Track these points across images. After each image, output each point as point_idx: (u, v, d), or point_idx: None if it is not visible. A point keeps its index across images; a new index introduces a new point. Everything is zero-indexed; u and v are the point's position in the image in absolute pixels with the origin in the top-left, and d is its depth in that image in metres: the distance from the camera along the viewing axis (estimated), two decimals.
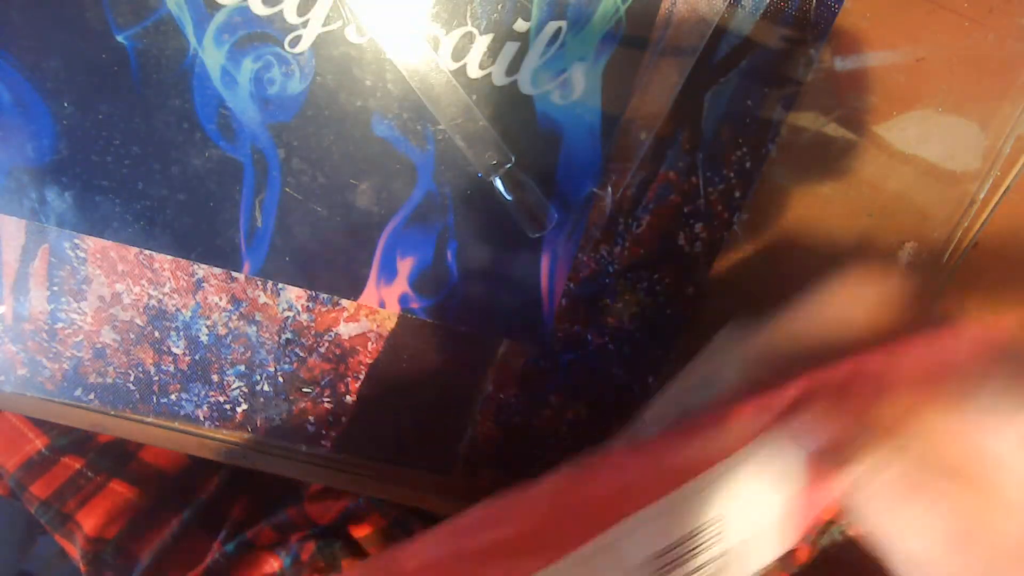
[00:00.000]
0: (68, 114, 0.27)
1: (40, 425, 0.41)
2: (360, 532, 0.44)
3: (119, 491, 0.42)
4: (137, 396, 0.33)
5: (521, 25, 0.26)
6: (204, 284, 0.31)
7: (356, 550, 0.44)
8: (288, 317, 0.31)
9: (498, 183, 0.28)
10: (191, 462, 0.45)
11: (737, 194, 0.29)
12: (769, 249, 0.30)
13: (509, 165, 0.27)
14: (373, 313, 0.31)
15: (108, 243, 0.30)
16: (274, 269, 0.30)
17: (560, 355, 0.32)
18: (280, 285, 0.31)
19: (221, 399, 0.33)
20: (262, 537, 0.43)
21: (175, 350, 0.32)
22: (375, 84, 0.27)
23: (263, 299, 0.31)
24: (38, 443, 0.41)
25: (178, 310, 0.31)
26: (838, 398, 0.20)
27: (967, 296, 0.30)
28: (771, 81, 0.27)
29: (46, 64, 0.26)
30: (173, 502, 0.43)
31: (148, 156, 0.28)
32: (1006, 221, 0.29)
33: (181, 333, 0.31)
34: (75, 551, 0.42)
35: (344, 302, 0.31)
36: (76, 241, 0.30)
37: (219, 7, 0.25)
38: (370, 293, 0.31)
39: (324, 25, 0.26)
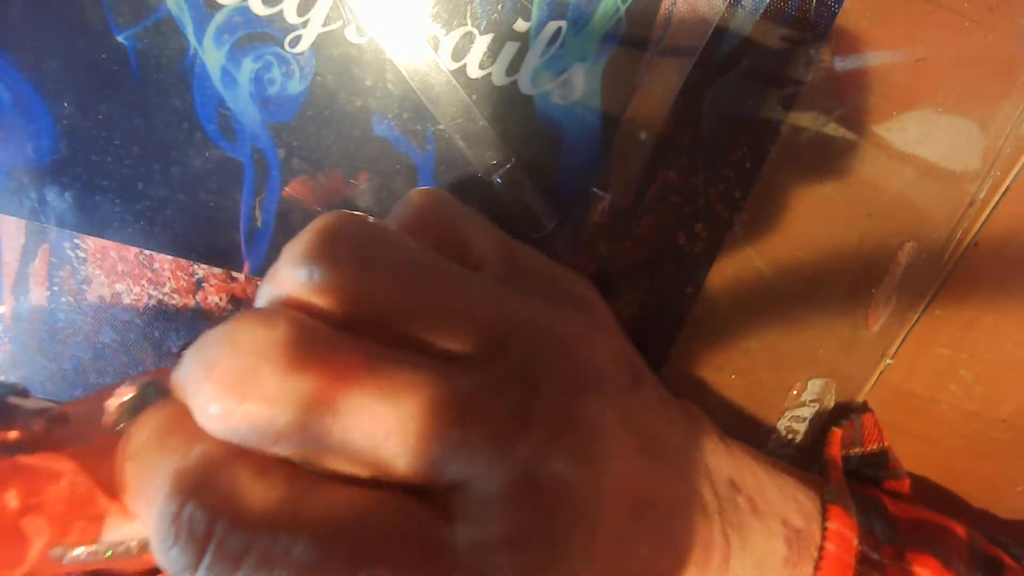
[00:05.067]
0: (68, 114, 0.27)
1: None
2: None
3: None
4: None
5: (521, 25, 0.26)
6: (204, 284, 0.31)
7: None
8: None
9: (498, 183, 0.28)
10: None
11: (737, 194, 0.29)
12: (769, 249, 0.30)
13: (509, 165, 0.27)
14: None
15: (108, 243, 0.30)
16: None
17: None
18: None
19: None
20: None
21: (175, 350, 0.32)
22: (375, 84, 0.27)
23: None
24: None
25: (178, 310, 0.31)
26: None
27: (967, 296, 0.30)
28: (771, 81, 0.27)
29: (46, 64, 0.26)
30: None
31: (148, 156, 0.28)
32: (1006, 221, 0.29)
33: (181, 333, 0.31)
34: None
35: None
36: (76, 241, 0.30)
37: (219, 7, 0.25)
38: None
39: (324, 25, 0.26)
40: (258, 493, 0.15)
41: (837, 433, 0.31)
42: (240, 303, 0.31)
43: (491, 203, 0.28)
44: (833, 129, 0.27)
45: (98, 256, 0.30)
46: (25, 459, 0.17)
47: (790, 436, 0.34)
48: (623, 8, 0.25)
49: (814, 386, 0.33)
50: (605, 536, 0.18)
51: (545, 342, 0.19)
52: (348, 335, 0.17)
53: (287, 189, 0.28)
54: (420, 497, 0.17)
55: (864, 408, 0.33)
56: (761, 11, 0.26)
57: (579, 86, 0.27)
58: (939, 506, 0.34)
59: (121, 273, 0.30)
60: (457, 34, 0.26)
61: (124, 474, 0.17)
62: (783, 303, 0.31)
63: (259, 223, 0.29)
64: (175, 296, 0.31)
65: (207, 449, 0.16)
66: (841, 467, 0.29)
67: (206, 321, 0.31)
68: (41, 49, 0.26)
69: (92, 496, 0.17)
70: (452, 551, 0.16)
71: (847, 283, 0.30)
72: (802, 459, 0.35)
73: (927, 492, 0.34)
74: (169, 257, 0.30)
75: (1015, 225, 0.29)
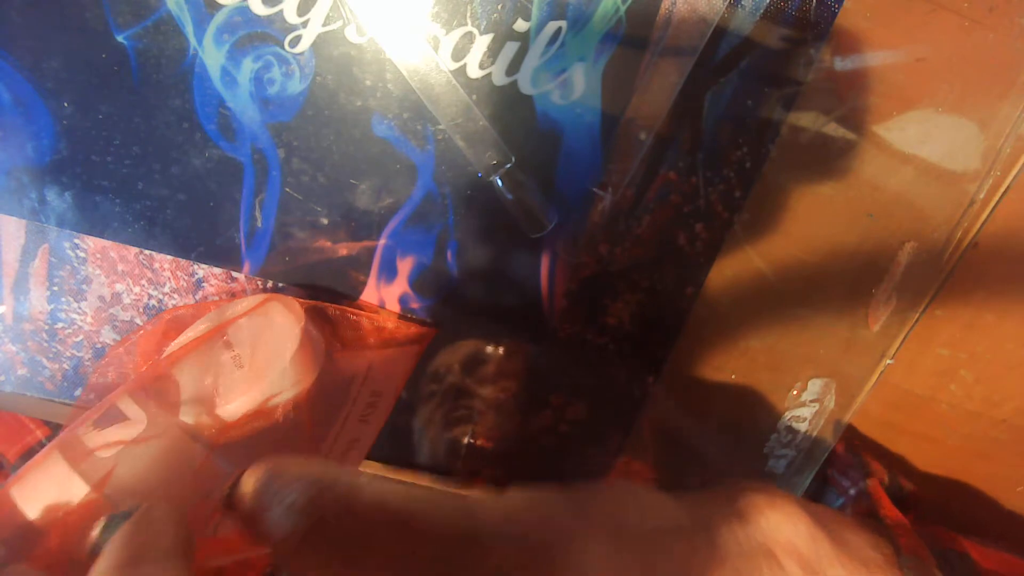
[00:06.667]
0: (68, 114, 0.27)
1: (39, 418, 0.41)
2: None
3: None
4: None
5: (521, 25, 0.26)
6: (204, 284, 0.31)
7: None
8: None
9: (498, 183, 0.28)
10: None
11: (737, 194, 0.29)
12: (769, 249, 0.30)
13: (509, 165, 0.27)
14: None
15: (108, 243, 0.30)
16: (274, 269, 0.30)
17: (560, 355, 0.32)
18: (280, 285, 0.31)
19: None
20: None
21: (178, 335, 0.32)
22: (375, 84, 0.27)
23: None
24: (39, 433, 0.41)
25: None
26: None
27: (967, 296, 0.30)
28: (771, 81, 0.27)
29: (46, 64, 0.26)
30: None
31: (148, 156, 0.28)
32: (1006, 221, 0.29)
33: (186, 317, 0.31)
34: None
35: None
36: (76, 241, 0.30)
37: (219, 7, 0.25)
38: (370, 293, 0.31)
39: (324, 25, 0.26)
40: None
41: (879, 489, 0.28)
42: None
43: (491, 203, 0.28)
44: (833, 129, 0.27)
45: (98, 256, 0.30)
46: None
47: (790, 436, 0.34)
48: (623, 8, 0.25)
49: (814, 386, 0.33)
50: None
51: None
52: None
53: (287, 188, 0.28)
54: None
55: (852, 438, 0.33)
56: (761, 11, 0.26)
57: (579, 86, 0.27)
58: (940, 506, 0.34)
59: (121, 273, 0.30)
60: (457, 34, 0.26)
61: None
62: (783, 303, 0.31)
63: (259, 223, 0.29)
64: (175, 296, 0.31)
65: None
66: (911, 527, 0.26)
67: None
68: (41, 49, 0.26)
69: None
70: None
71: (847, 283, 0.30)
72: (802, 460, 0.35)
73: (928, 492, 0.34)
74: (169, 257, 0.30)
75: (1015, 225, 0.29)
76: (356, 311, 0.30)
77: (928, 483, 0.35)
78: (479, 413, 0.33)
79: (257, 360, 0.25)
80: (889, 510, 0.26)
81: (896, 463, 0.34)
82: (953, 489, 0.35)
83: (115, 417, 0.23)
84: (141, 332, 0.30)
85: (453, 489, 0.36)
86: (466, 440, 0.34)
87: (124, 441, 0.23)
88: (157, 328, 0.29)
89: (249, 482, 0.19)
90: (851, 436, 0.34)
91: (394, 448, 0.35)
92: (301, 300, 0.28)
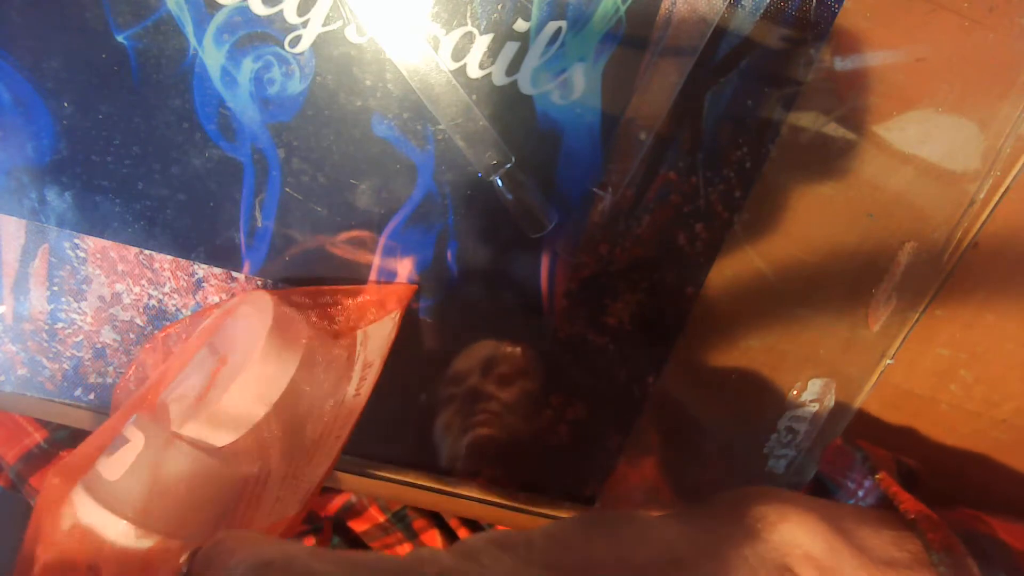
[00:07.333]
0: (68, 114, 0.27)
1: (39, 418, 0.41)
2: (359, 527, 0.44)
3: None
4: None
5: (521, 25, 0.26)
6: (204, 284, 0.31)
7: (355, 544, 0.44)
8: None
9: (498, 183, 0.28)
10: None
11: (737, 194, 0.29)
12: (769, 249, 0.30)
13: (509, 165, 0.27)
14: None
15: (108, 243, 0.30)
16: (274, 269, 0.30)
17: (560, 355, 0.32)
18: (280, 286, 0.31)
19: None
20: None
21: (176, 350, 0.32)
22: (375, 84, 0.27)
23: None
24: (37, 436, 0.41)
25: (178, 310, 0.31)
26: None
27: (967, 296, 0.30)
28: (771, 81, 0.27)
29: (46, 64, 0.26)
30: None
31: (148, 156, 0.28)
32: (1006, 221, 0.29)
33: (182, 333, 0.31)
34: None
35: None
36: (76, 241, 0.30)
37: (219, 7, 0.25)
38: None
39: (324, 25, 0.26)
40: None
41: (893, 485, 0.26)
42: None
43: (491, 203, 0.28)
44: (833, 129, 0.27)
45: (98, 256, 0.30)
46: None
47: (790, 436, 0.34)
48: (623, 8, 0.25)
49: (814, 386, 0.33)
50: None
51: None
52: None
53: (287, 188, 0.28)
54: None
55: (849, 434, 0.33)
56: (761, 11, 0.26)
57: (579, 86, 0.27)
58: (939, 505, 0.34)
59: (121, 273, 0.30)
60: (457, 34, 0.26)
61: None
62: (783, 303, 0.31)
63: (259, 223, 0.29)
64: (175, 296, 0.31)
65: None
66: (937, 518, 0.24)
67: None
68: (41, 49, 0.26)
69: None
70: None
71: (847, 283, 0.30)
72: (802, 460, 0.35)
73: (928, 492, 0.34)
74: (169, 257, 0.30)
75: (1015, 225, 0.29)
76: (332, 288, 0.30)
77: (928, 483, 0.35)
78: (482, 414, 0.33)
79: (239, 351, 0.26)
80: (909, 503, 0.24)
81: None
82: (953, 489, 0.35)
83: (121, 442, 0.24)
84: (144, 347, 0.31)
85: (449, 490, 0.36)
86: (466, 441, 0.34)
87: (130, 461, 0.24)
88: (156, 344, 0.30)
89: (206, 557, 0.19)
90: (848, 431, 0.34)
91: (397, 450, 0.35)
92: (272, 291, 0.28)
